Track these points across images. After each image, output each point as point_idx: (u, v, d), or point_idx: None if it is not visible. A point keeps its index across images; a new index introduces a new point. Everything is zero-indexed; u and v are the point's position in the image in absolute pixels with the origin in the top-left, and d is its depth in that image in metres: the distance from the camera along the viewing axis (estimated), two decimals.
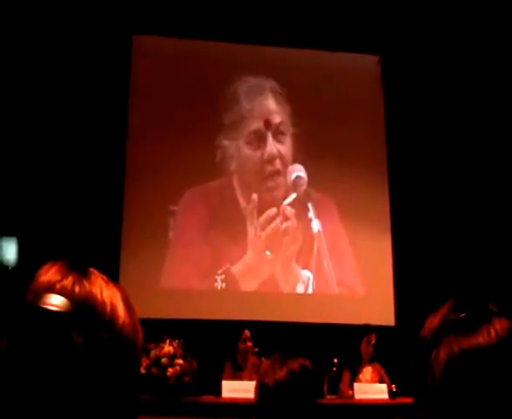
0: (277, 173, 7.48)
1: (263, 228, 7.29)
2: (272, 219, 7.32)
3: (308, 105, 7.66)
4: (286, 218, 7.35)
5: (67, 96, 7.18)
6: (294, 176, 7.42)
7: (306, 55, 7.87)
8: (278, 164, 7.48)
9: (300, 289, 7.28)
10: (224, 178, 7.42)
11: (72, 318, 0.84)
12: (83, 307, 0.86)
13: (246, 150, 7.48)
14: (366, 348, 6.08)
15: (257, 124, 7.55)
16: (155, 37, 7.64)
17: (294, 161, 7.51)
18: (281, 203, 7.40)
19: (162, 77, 7.55)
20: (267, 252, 7.25)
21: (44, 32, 7.13)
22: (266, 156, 7.45)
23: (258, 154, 7.47)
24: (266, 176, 7.44)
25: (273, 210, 7.36)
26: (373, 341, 6.07)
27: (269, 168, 7.45)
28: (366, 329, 6.13)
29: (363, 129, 7.76)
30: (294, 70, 7.73)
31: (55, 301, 0.84)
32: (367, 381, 5.89)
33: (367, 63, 8.01)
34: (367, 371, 6.04)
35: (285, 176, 7.49)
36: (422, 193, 7.66)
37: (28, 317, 0.83)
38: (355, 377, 5.92)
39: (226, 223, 7.28)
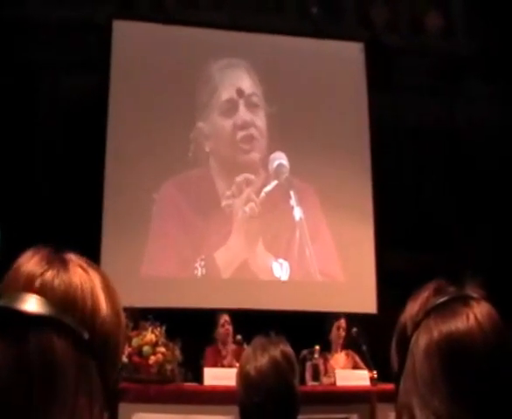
0: (251, 137, 7.45)
1: (246, 201, 7.29)
2: (250, 183, 7.33)
3: (287, 91, 7.66)
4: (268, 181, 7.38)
5: (49, 82, 7.13)
6: (276, 164, 7.41)
7: (286, 41, 7.85)
8: (252, 130, 7.46)
9: (277, 273, 7.29)
10: (201, 164, 7.39)
11: (53, 321, 0.80)
12: (63, 306, 0.82)
13: (219, 121, 7.45)
14: (337, 334, 6.11)
15: (229, 93, 7.52)
16: (136, 23, 7.59)
17: (275, 148, 7.49)
18: (259, 168, 7.42)
19: (143, 62, 7.46)
20: (247, 207, 7.25)
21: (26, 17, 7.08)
22: (239, 122, 7.43)
23: (230, 122, 7.44)
24: (239, 140, 7.41)
25: (251, 176, 7.37)
26: (343, 326, 6.10)
27: (242, 133, 7.42)
28: (336, 316, 6.18)
29: (347, 118, 7.77)
30: (273, 55, 7.72)
31: (34, 304, 0.80)
32: (340, 368, 5.91)
33: (350, 51, 8.00)
34: (340, 357, 6.06)
35: (260, 144, 7.48)
36: (405, 181, 7.70)
37: (5, 321, 0.79)
38: (326, 365, 5.93)
39: (205, 210, 7.26)
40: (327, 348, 6.08)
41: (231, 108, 7.48)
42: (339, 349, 6.11)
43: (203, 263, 7.12)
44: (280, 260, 7.28)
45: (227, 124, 7.44)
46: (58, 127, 7.10)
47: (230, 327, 5.97)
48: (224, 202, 7.31)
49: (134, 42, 7.49)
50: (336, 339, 6.12)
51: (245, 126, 7.43)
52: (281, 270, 7.27)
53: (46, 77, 7.19)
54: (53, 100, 7.15)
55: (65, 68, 7.19)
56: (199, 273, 7.11)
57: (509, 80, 7.88)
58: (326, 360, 5.95)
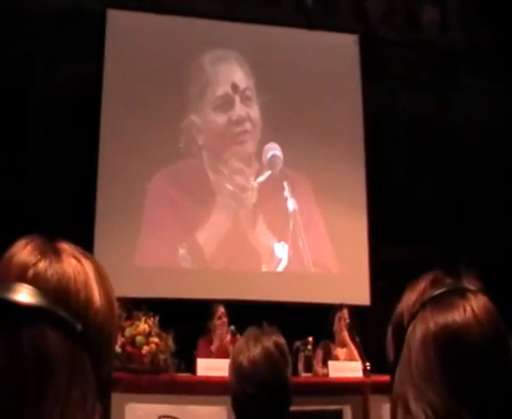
0: (245, 132, 7.43)
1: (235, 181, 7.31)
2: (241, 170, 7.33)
3: (281, 82, 7.62)
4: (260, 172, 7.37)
5: (42, 72, 7.10)
6: (269, 155, 7.40)
7: (281, 33, 7.82)
8: (247, 126, 7.44)
9: (274, 261, 7.28)
10: (195, 155, 7.37)
11: (46, 313, 0.79)
12: (57, 297, 0.81)
13: (213, 116, 7.42)
14: (339, 326, 6.09)
15: (224, 88, 7.50)
16: (130, 12, 7.54)
17: (269, 139, 7.48)
18: (252, 160, 7.42)
19: (138, 52, 7.41)
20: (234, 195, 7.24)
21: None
22: (234, 117, 7.41)
23: (225, 117, 7.41)
24: (235, 135, 7.39)
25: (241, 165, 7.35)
26: (345, 317, 6.07)
27: (238, 129, 7.40)
28: (338, 307, 6.15)
29: (341, 110, 7.76)
30: (267, 47, 7.69)
31: (27, 295, 0.79)
32: (342, 360, 5.91)
33: (345, 43, 7.98)
34: (342, 350, 6.05)
35: (254, 136, 7.46)
36: (399, 173, 7.71)
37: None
38: (329, 356, 5.92)
39: (199, 200, 7.24)
40: (324, 339, 6.06)
41: (226, 103, 7.45)
42: (340, 341, 6.08)
43: (196, 253, 7.11)
44: (282, 242, 7.27)
45: (221, 119, 7.41)
46: (51, 116, 7.07)
47: (225, 320, 5.95)
48: (216, 192, 7.30)
49: (128, 31, 7.44)
50: (339, 331, 6.08)
51: (240, 121, 7.41)
52: (283, 251, 7.26)
53: (40, 67, 7.16)
54: (47, 90, 7.12)
55: (59, 58, 7.16)
56: (193, 263, 7.10)
57: (504, 75, 7.89)
58: (329, 352, 5.94)
